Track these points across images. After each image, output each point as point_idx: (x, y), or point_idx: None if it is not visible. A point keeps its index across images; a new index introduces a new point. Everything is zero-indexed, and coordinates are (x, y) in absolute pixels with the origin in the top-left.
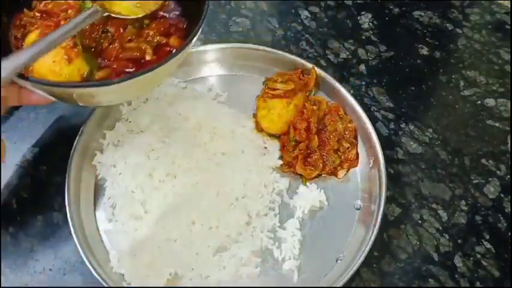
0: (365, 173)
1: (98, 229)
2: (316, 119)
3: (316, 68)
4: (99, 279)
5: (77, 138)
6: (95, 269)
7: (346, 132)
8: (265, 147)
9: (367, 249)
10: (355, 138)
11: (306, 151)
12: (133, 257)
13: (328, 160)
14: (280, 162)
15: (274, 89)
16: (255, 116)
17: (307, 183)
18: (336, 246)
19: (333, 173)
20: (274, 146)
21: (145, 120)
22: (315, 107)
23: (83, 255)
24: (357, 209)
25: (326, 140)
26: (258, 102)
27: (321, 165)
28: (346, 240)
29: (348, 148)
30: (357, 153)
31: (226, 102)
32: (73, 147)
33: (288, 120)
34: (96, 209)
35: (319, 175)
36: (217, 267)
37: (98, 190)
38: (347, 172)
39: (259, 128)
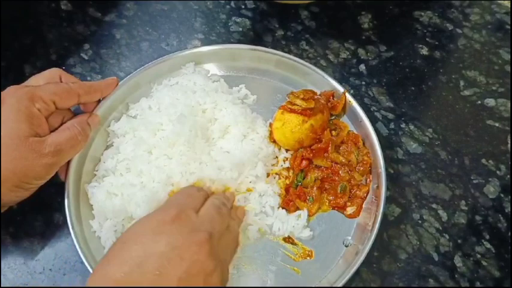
0: (365, 211)
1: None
2: (333, 148)
3: (347, 93)
4: None
5: (100, 104)
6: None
7: (359, 165)
8: (273, 158)
9: (341, 284)
10: (369, 172)
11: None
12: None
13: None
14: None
15: (294, 104)
16: (270, 125)
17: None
18: (310, 278)
19: (342, 207)
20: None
21: (166, 100)
22: (334, 132)
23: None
24: (346, 245)
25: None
26: (277, 113)
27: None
28: (323, 274)
29: (359, 186)
30: (368, 191)
31: (251, 105)
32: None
33: (300, 138)
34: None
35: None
36: None
37: (105, 156)
38: (356, 210)
39: (271, 138)
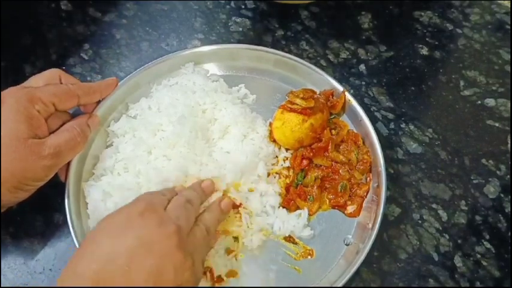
0: (365, 209)
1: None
2: (333, 147)
3: (346, 92)
4: None
5: (99, 104)
6: None
7: (359, 164)
8: (274, 158)
9: (341, 284)
10: (370, 171)
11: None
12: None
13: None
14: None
15: (293, 103)
16: (270, 125)
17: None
18: (311, 277)
19: (342, 206)
20: (281, 158)
21: (166, 100)
22: (334, 131)
23: None
24: (346, 244)
25: (335, 171)
26: (277, 112)
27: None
28: (323, 273)
29: (359, 184)
30: (368, 190)
31: (251, 104)
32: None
33: (300, 138)
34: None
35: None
36: None
37: (104, 155)
38: (356, 209)
39: (271, 138)
